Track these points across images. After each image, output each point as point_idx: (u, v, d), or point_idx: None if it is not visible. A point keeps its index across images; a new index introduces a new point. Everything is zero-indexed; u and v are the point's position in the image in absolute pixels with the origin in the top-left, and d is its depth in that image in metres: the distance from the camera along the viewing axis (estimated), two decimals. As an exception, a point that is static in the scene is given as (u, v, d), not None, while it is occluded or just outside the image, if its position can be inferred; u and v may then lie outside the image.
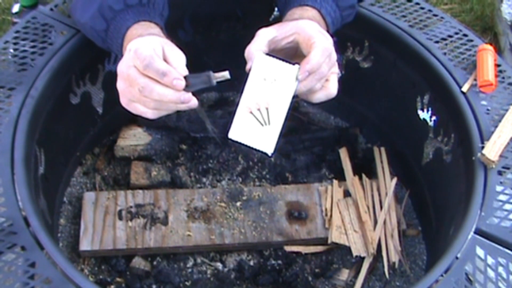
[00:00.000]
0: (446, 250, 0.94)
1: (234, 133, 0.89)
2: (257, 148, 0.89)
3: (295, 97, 0.90)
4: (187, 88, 0.85)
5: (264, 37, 0.92)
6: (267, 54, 0.90)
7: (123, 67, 0.88)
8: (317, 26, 0.94)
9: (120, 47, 0.98)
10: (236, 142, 0.90)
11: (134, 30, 0.96)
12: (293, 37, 0.93)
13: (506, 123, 1.08)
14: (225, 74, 0.86)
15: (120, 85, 0.89)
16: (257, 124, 0.89)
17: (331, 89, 0.94)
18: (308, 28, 0.92)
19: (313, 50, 0.89)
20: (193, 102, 0.86)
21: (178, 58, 0.88)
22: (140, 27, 0.96)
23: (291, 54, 0.95)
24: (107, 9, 0.99)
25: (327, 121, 1.51)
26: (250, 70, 0.89)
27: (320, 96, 0.93)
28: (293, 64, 0.89)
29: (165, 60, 0.87)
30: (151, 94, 0.85)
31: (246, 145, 0.90)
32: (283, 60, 0.89)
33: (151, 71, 0.84)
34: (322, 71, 0.90)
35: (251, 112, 0.89)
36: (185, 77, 0.85)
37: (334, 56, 0.92)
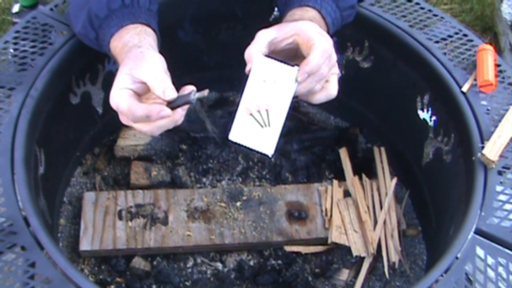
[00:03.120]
0: (446, 250, 0.94)
1: (234, 135, 0.90)
2: (257, 150, 0.90)
3: (295, 98, 0.90)
4: (170, 105, 0.87)
5: (264, 38, 0.92)
6: (267, 55, 0.90)
7: (122, 119, 0.92)
8: (317, 27, 0.94)
9: (109, 53, 1.00)
10: (236, 143, 0.90)
11: (117, 40, 0.97)
12: (293, 39, 0.92)
13: (506, 123, 1.08)
14: (204, 92, 0.88)
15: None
16: (257, 126, 0.89)
17: (331, 90, 0.94)
18: (308, 29, 0.92)
19: (312, 51, 0.89)
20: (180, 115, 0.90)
21: (153, 75, 0.88)
22: (124, 33, 0.97)
23: (292, 55, 0.95)
24: (94, 18, 1.00)
25: (327, 121, 1.51)
26: (249, 72, 0.89)
27: (320, 97, 0.93)
28: (293, 65, 0.89)
29: (142, 83, 0.88)
30: (149, 131, 0.90)
31: (246, 147, 0.90)
32: (282, 61, 0.89)
33: (138, 121, 0.88)
34: (322, 73, 0.90)
35: (251, 114, 0.89)
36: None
37: (334, 57, 0.92)
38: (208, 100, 1.50)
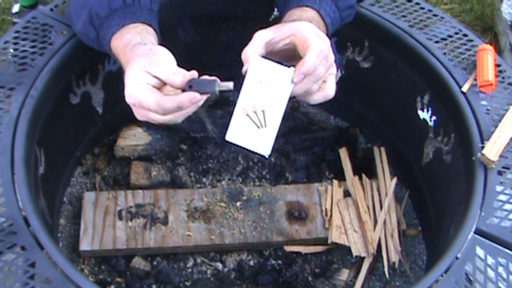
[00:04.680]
0: (446, 250, 0.94)
1: (231, 136, 0.90)
2: (254, 150, 0.90)
3: (291, 99, 0.90)
4: (190, 89, 0.87)
5: (261, 39, 0.92)
6: (264, 56, 0.91)
7: (138, 115, 0.91)
8: (314, 28, 0.93)
9: (109, 52, 1.00)
10: (233, 144, 0.90)
11: (119, 39, 0.97)
12: (290, 39, 0.92)
13: (506, 123, 1.08)
14: (229, 85, 0.87)
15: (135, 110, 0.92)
16: (253, 127, 0.89)
17: (329, 90, 0.94)
18: (304, 30, 0.92)
19: (308, 52, 0.89)
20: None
21: (168, 71, 0.88)
22: (126, 32, 0.97)
23: (289, 55, 0.95)
24: (95, 17, 1.00)
25: (327, 121, 1.51)
26: (246, 72, 0.90)
27: (317, 97, 0.93)
28: (289, 66, 0.89)
29: (158, 79, 0.88)
30: (173, 120, 0.89)
31: (243, 147, 0.90)
32: (279, 62, 0.90)
33: (168, 113, 0.87)
34: (318, 73, 0.90)
35: (247, 115, 0.89)
36: (190, 83, 0.86)
37: (331, 57, 0.92)
38: (208, 100, 1.50)
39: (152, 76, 0.88)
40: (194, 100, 0.86)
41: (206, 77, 0.88)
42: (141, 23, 0.99)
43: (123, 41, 0.96)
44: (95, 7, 1.00)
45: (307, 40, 0.90)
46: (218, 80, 0.87)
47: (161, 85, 0.89)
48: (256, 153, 0.90)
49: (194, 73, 0.87)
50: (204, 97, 0.87)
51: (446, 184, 1.20)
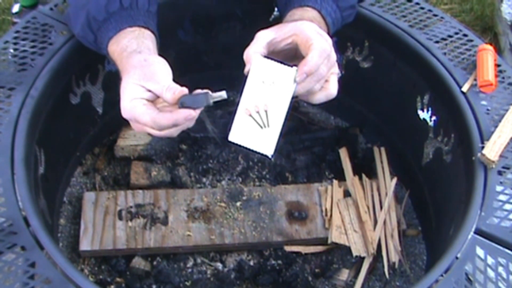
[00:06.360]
0: (446, 250, 0.94)
1: (234, 136, 0.90)
2: (257, 150, 0.90)
3: (294, 98, 0.90)
4: (183, 106, 0.87)
5: (262, 39, 0.92)
6: (266, 56, 0.91)
7: (135, 128, 0.91)
8: (316, 27, 0.94)
9: (108, 56, 1.00)
10: (236, 144, 0.90)
11: (115, 44, 0.97)
12: (292, 39, 0.92)
13: (506, 123, 1.08)
14: (222, 94, 0.87)
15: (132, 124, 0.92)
16: (256, 127, 0.89)
17: (331, 89, 0.94)
18: (306, 30, 0.92)
19: (310, 51, 0.89)
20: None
21: (161, 85, 0.88)
22: (122, 38, 0.97)
23: (291, 55, 0.95)
24: (92, 21, 1.00)
25: (327, 121, 1.51)
26: (248, 73, 0.90)
27: (320, 97, 0.93)
28: (291, 66, 0.89)
29: (152, 92, 0.89)
30: (169, 134, 0.90)
31: (246, 148, 0.90)
32: (281, 62, 0.90)
33: (163, 129, 0.88)
34: (321, 73, 0.90)
35: (250, 115, 0.89)
36: (182, 100, 0.86)
37: (333, 57, 0.92)
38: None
39: (146, 90, 0.88)
40: (190, 117, 0.86)
41: (198, 90, 0.88)
42: (138, 27, 0.98)
43: (119, 47, 0.96)
44: (93, 10, 0.99)
45: (309, 39, 0.90)
46: (210, 92, 0.87)
47: (156, 98, 0.90)
48: (259, 154, 0.90)
49: (183, 90, 0.87)
50: (199, 110, 0.87)
51: (446, 184, 1.20)
